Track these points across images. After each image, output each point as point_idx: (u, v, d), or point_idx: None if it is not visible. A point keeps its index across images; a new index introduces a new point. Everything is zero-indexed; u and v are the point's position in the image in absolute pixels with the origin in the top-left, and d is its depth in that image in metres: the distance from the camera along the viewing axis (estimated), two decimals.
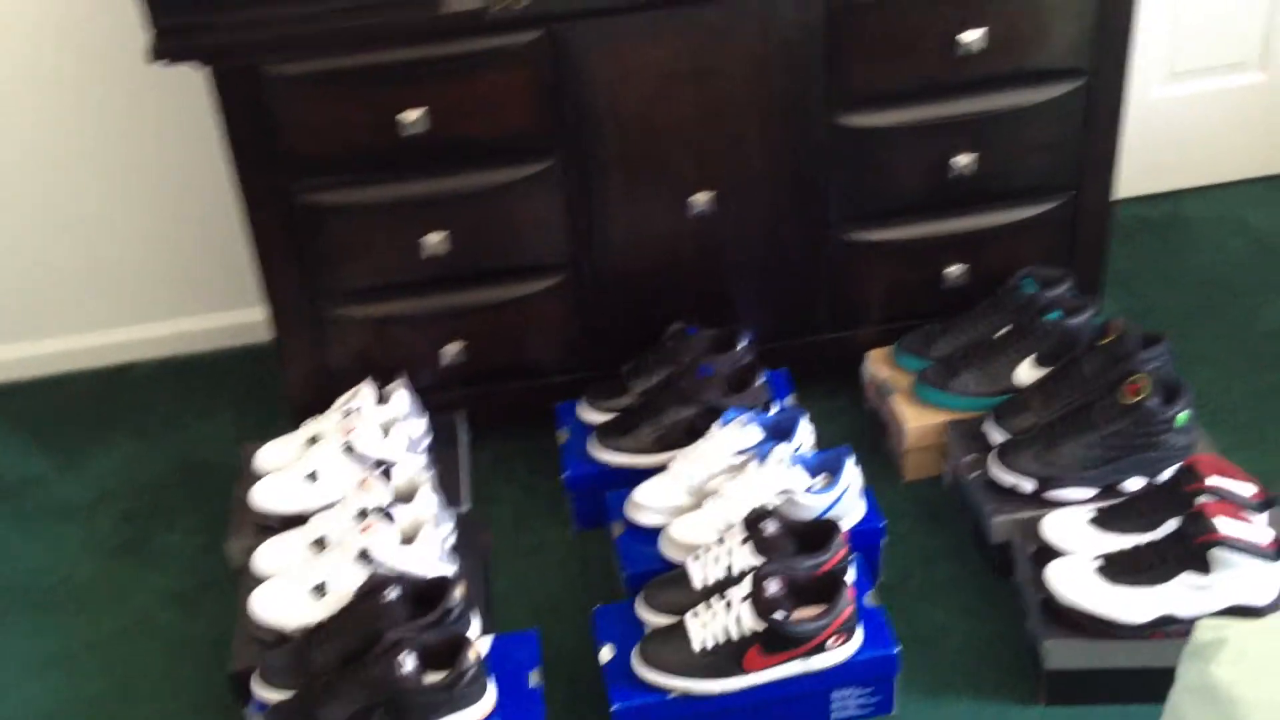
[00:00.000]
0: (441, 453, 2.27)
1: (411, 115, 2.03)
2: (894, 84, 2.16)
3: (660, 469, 2.15)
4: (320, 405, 2.26)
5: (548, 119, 2.09)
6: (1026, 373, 2.24)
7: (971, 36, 2.10)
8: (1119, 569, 1.88)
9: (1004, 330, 2.28)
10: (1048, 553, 1.96)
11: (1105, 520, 1.97)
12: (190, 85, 2.12)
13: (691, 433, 2.18)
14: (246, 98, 1.99)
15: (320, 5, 1.94)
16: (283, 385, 2.31)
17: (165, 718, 2.02)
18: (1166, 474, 2.03)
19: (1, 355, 2.73)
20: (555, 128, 2.10)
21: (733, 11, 2.03)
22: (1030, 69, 2.17)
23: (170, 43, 1.92)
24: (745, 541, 1.93)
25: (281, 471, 2.16)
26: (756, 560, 1.91)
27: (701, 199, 2.20)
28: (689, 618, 1.88)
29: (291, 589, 1.95)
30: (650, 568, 2.03)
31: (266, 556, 2.03)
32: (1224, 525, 1.84)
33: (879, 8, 2.07)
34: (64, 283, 2.68)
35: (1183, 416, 2.04)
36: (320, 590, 1.93)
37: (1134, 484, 2.05)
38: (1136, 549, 1.90)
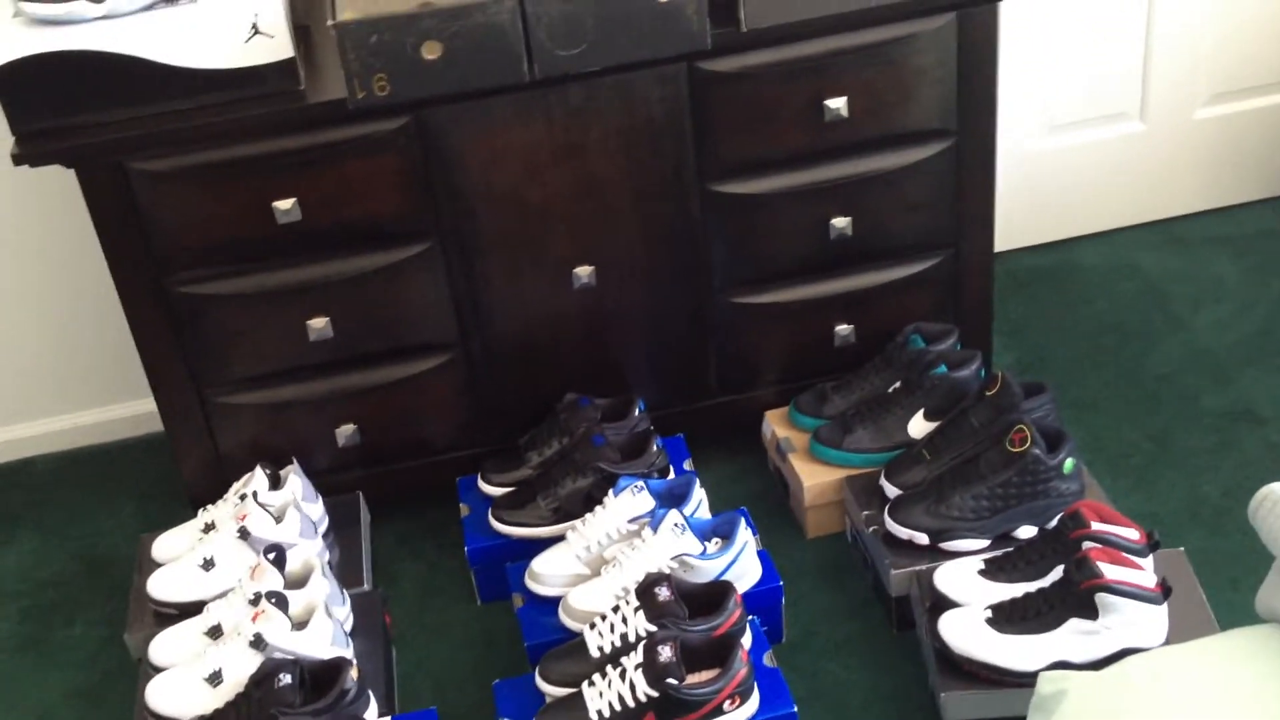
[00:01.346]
0: (342, 534, 2.28)
1: (284, 205, 2.06)
2: (764, 152, 2.20)
3: (559, 539, 2.17)
4: (218, 492, 2.26)
5: (421, 202, 2.12)
6: (918, 426, 2.27)
7: (835, 104, 2.15)
8: (1008, 618, 1.91)
9: (894, 386, 2.31)
10: (943, 604, 1.99)
11: (994, 570, 2.00)
12: (64, 182, 2.14)
13: (589, 502, 2.20)
14: (114, 195, 2.02)
15: (182, 103, 1.97)
16: (179, 474, 2.31)
17: None
18: (1055, 521, 2.06)
19: None
20: (430, 210, 2.13)
21: (595, 91, 2.07)
22: (897, 132, 2.22)
23: (32, 147, 1.95)
24: (639, 609, 1.94)
25: (177, 560, 2.16)
26: (651, 627, 1.92)
27: (584, 272, 2.23)
28: (585, 687, 1.89)
29: (186, 679, 1.94)
30: (551, 638, 2.04)
31: (162, 647, 2.03)
32: (1109, 570, 1.87)
33: (739, 80, 2.12)
34: None
35: (1069, 464, 2.07)
36: (215, 679, 1.92)
37: (1025, 532, 2.08)
38: (1026, 597, 1.92)
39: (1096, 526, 1.96)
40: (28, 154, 1.94)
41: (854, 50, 2.12)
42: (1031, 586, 1.95)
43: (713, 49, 2.04)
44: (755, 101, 2.14)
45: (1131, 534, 1.95)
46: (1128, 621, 1.85)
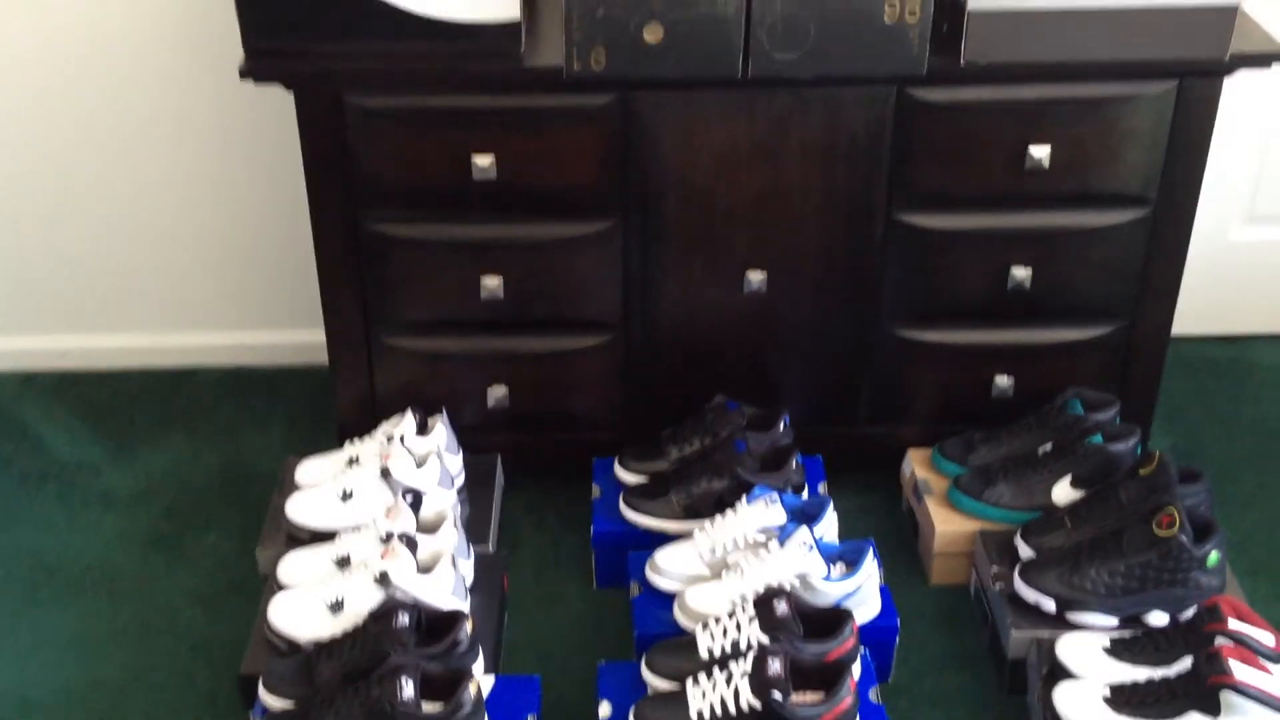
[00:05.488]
0: (475, 492, 2.32)
1: (483, 161, 2.10)
2: (957, 189, 2.19)
3: (685, 536, 2.18)
4: (366, 427, 2.33)
5: (613, 181, 2.15)
6: (1062, 492, 2.23)
7: (1039, 152, 2.13)
8: (1126, 700, 1.87)
9: (1045, 447, 2.28)
10: (1061, 674, 1.95)
11: (1120, 650, 1.96)
12: (282, 107, 2.22)
13: (720, 504, 2.21)
14: (327, 124, 2.08)
15: (407, 46, 2.02)
16: (333, 406, 2.38)
17: (174, 710, 2.07)
18: (1190, 613, 2.01)
19: (76, 344, 2.84)
20: (619, 190, 2.16)
21: (802, 101, 2.08)
22: (1095, 192, 2.19)
23: (260, 64, 2.02)
24: (754, 619, 1.94)
25: (318, 487, 2.22)
26: (764, 638, 1.92)
27: (756, 277, 2.24)
28: (689, 685, 1.89)
29: (310, 601, 2.00)
30: (661, 631, 2.05)
31: (291, 567, 2.09)
32: (1239, 670, 1.82)
33: (947, 113, 2.11)
34: (143, 283, 2.79)
35: (1213, 557, 2.02)
36: (337, 606, 1.97)
37: (1157, 618, 2.03)
38: (1149, 683, 1.88)
39: (1233, 624, 1.91)
40: (254, 70, 2.02)
41: (1068, 102, 2.10)
42: (1156, 673, 1.90)
43: (927, 77, 2.04)
44: (958, 137, 2.13)
45: (1268, 638, 1.90)
46: None
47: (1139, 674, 1.91)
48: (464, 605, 2.03)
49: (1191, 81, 2.10)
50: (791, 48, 1.99)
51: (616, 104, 2.08)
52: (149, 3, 2.48)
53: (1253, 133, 2.66)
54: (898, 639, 2.10)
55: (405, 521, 2.06)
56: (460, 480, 2.30)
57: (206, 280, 2.78)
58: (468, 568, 2.12)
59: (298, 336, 2.81)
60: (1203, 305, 2.79)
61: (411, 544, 2.01)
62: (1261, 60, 2.08)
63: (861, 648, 1.97)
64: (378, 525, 2.07)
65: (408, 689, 1.79)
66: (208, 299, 2.81)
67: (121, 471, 2.58)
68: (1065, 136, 2.13)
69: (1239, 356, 2.85)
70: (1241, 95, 2.55)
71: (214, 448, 2.64)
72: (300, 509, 2.19)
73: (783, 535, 2.06)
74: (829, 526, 2.16)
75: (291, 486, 2.27)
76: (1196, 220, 2.26)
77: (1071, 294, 2.29)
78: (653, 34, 1.96)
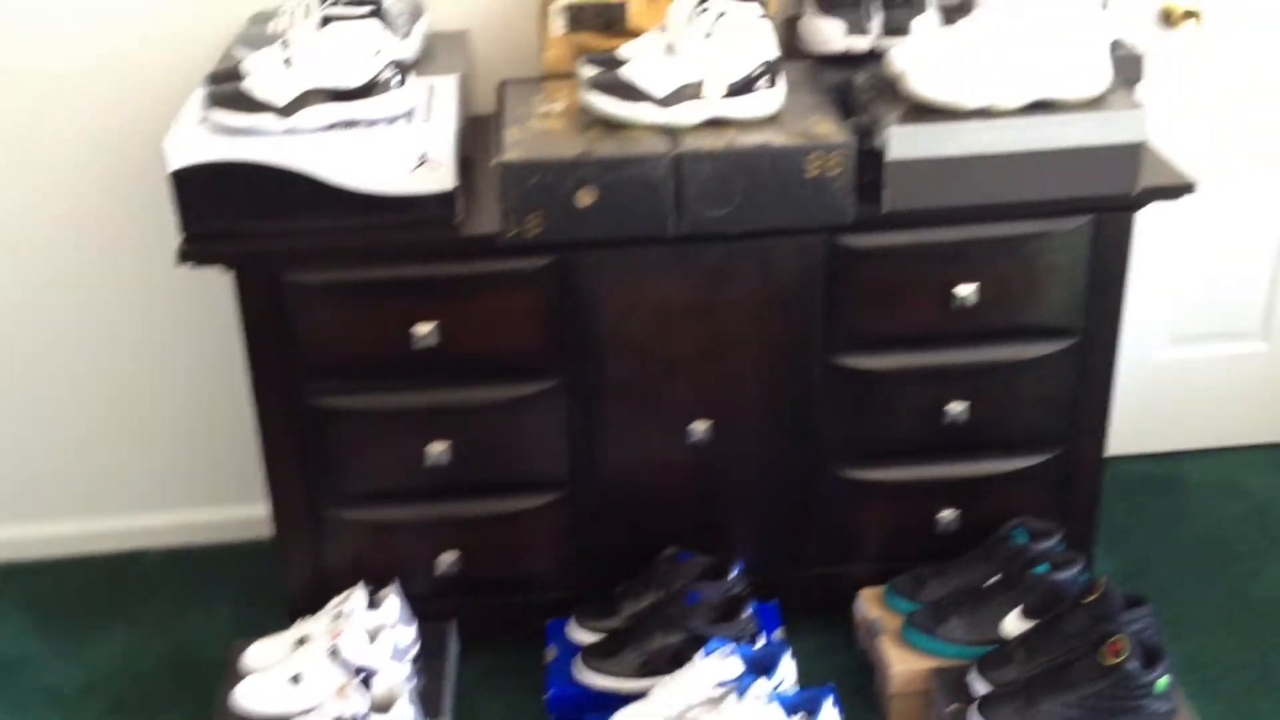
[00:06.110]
0: (429, 662, 2.28)
1: (423, 329, 2.12)
2: (889, 330, 2.23)
3: (643, 694, 2.15)
4: (316, 604, 2.28)
5: (553, 341, 2.17)
6: (1013, 623, 2.24)
7: (964, 291, 2.19)
8: None
9: (993, 579, 2.29)
10: None
11: None
12: (217, 286, 2.23)
13: (676, 659, 2.19)
14: (266, 302, 2.09)
15: (343, 220, 2.04)
16: (282, 584, 2.34)
17: None
18: None
19: (14, 534, 2.78)
20: (560, 350, 2.18)
21: (734, 254, 2.13)
22: (1022, 325, 2.25)
23: (198, 247, 2.03)
24: None
25: (266, 672, 2.17)
26: None
27: (699, 428, 2.26)
28: None
29: None
30: None
31: None
32: None
33: (876, 258, 2.17)
34: (81, 467, 2.74)
35: (1162, 682, 2.03)
36: None
37: None
38: None
39: None
40: (194, 254, 2.03)
41: (989, 241, 2.17)
42: None
43: (853, 225, 2.10)
44: (887, 280, 2.19)
45: None
46: None
47: None
48: None
49: (1105, 216, 2.17)
50: (720, 204, 2.04)
51: (554, 266, 2.11)
52: (83, 188, 2.50)
53: (1170, 257, 2.76)
54: None
55: (357, 702, 2.02)
56: (413, 651, 2.26)
57: (147, 460, 2.75)
58: None
59: (243, 511, 2.76)
60: (1132, 425, 2.85)
61: None
62: (1170, 193, 2.16)
63: None
64: (329, 709, 2.02)
65: None
66: (149, 479, 2.76)
67: (67, 666, 2.50)
68: (989, 274, 2.19)
69: (1173, 473, 2.90)
70: (1157, 222, 2.64)
71: (161, 634, 2.57)
72: (249, 696, 2.14)
73: (740, 689, 2.05)
74: (787, 674, 2.14)
75: (240, 672, 2.21)
76: (1122, 345, 2.32)
77: (1007, 425, 2.33)
78: (585, 198, 2.01)
